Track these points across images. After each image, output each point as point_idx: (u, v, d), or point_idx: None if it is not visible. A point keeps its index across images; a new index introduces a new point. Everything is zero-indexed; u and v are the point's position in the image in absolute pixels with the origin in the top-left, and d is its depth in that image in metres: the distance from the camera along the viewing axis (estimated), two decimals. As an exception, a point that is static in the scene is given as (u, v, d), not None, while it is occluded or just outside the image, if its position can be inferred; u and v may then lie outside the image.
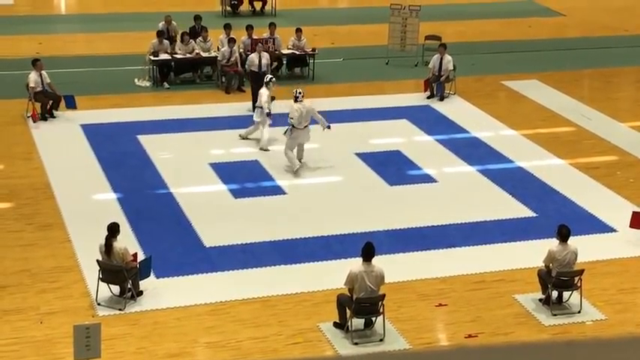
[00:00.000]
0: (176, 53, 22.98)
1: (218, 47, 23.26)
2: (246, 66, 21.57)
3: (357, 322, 13.38)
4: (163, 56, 22.81)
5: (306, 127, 18.32)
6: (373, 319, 13.39)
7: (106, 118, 20.67)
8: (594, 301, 14.34)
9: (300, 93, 18.25)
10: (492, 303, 14.24)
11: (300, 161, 18.41)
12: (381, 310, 13.25)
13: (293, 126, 18.14)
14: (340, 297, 13.41)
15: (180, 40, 23.20)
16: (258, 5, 30.18)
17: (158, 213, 16.68)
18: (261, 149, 19.09)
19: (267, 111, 18.98)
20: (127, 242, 14.45)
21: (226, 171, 18.26)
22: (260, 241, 15.77)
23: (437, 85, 22.59)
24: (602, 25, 30.52)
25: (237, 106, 21.44)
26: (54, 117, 20.52)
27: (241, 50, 23.06)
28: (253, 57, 21.36)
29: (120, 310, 13.68)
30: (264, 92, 19.08)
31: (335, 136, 19.98)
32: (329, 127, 18.61)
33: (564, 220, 14.99)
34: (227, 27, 23.34)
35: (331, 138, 19.83)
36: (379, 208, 17.13)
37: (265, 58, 21.48)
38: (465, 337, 13.39)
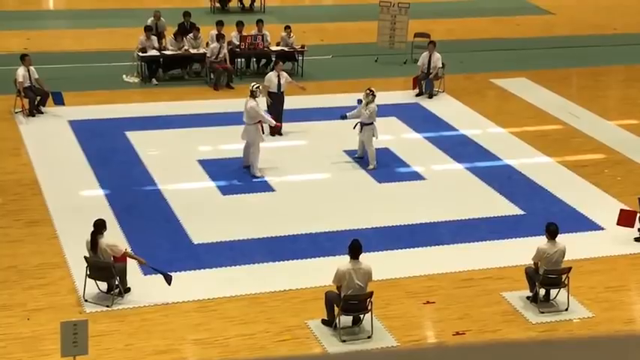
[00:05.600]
0: (165, 49, 22.92)
1: (207, 43, 23.21)
2: (265, 85, 19.64)
3: (345, 320, 13.36)
4: (152, 52, 22.74)
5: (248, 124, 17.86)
6: (361, 316, 13.39)
7: (94, 115, 20.61)
8: (582, 299, 14.36)
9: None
10: (480, 300, 14.26)
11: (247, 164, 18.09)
12: (369, 308, 13.25)
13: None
14: (328, 294, 13.40)
15: (173, 39, 23.07)
16: (247, 2, 30.13)
17: (146, 210, 16.65)
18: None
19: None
20: (115, 239, 14.41)
21: (215, 168, 18.22)
22: (248, 238, 15.74)
23: (426, 83, 22.60)
24: (591, 23, 30.59)
25: (226, 103, 21.39)
26: (42, 113, 20.45)
27: (230, 47, 23.01)
28: (272, 76, 19.90)
29: (107, 306, 13.65)
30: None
31: (324, 133, 19.99)
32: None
33: (552, 218, 15.00)
34: (219, 24, 23.20)
35: (320, 135, 19.83)
36: (368, 205, 17.12)
37: (284, 77, 20.01)
38: (453, 335, 13.40)
